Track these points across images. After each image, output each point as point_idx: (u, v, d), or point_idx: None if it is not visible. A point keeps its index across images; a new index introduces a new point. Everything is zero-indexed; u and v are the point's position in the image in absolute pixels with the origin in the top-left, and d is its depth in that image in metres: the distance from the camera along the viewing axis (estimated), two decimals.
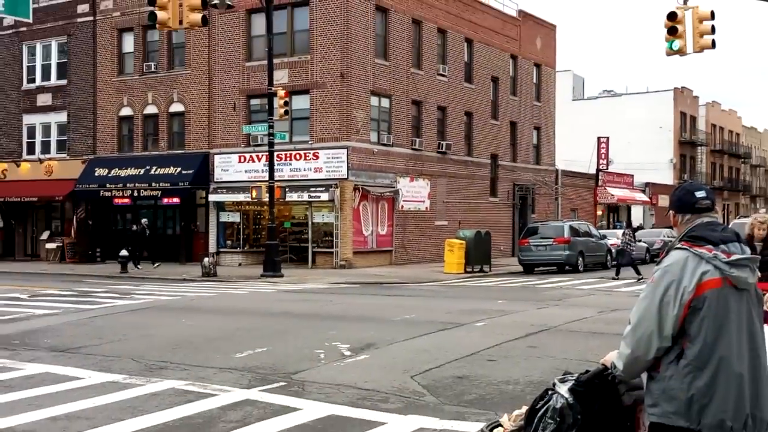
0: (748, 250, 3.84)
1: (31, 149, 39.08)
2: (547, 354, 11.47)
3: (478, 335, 13.61)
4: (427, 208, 35.44)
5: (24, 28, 36.43)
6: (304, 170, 31.55)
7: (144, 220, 33.14)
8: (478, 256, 30.26)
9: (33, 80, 39.11)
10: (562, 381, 4.02)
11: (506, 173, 42.23)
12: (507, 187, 42.27)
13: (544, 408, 3.95)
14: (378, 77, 32.91)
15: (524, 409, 4.45)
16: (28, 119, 39.23)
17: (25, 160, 38.89)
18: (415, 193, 34.83)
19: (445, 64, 37.34)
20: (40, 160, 38.17)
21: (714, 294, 3.65)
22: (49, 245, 37.01)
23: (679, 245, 3.79)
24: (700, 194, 3.88)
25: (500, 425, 4.48)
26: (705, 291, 3.64)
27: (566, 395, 3.88)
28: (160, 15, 16.39)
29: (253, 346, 12.47)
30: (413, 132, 35.20)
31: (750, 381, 3.66)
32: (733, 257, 3.70)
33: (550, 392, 4.00)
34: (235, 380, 9.98)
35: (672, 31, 17.58)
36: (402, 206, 33.93)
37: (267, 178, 28.53)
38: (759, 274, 6.84)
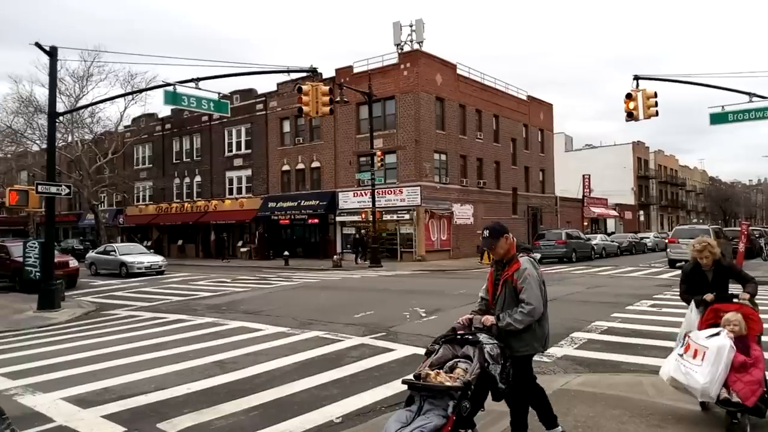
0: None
1: (230, 192, 40.52)
2: (551, 315, 11.18)
3: None
4: (471, 222, 35.03)
5: (225, 120, 37.94)
6: (394, 200, 31.65)
7: (363, 231, 31.78)
8: None
9: (231, 150, 40.58)
10: (475, 335, 3.89)
11: (522, 199, 41.28)
12: (523, 208, 41.31)
13: (489, 355, 3.73)
14: (438, 141, 32.82)
15: (428, 363, 3.84)
16: (228, 174, 40.68)
17: (227, 198, 40.33)
18: (463, 213, 34.47)
19: (481, 131, 36.93)
20: (236, 198, 39.50)
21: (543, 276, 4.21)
22: (242, 249, 38.14)
23: (521, 255, 4.18)
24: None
25: (419, 375, 3.66)
26: (543, 276, 4.21)
27: (496, 342, 3.88)
28: (305, 109, 16.76)
29: (365, 310, 12.57)
30: (461, 174, 34.91)
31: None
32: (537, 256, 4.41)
33: (477, 346, 3.77)
34: (354, 331, 10.07)
35: (629, 106, 17.01)
36: (456, 221, 33.63)
37: (371, 206, 28.78)
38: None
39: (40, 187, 15.55)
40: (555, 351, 8.19)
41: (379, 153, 29.10)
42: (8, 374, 7.64)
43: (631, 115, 16.93)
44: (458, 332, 4.00)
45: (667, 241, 27.30)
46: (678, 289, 5.62)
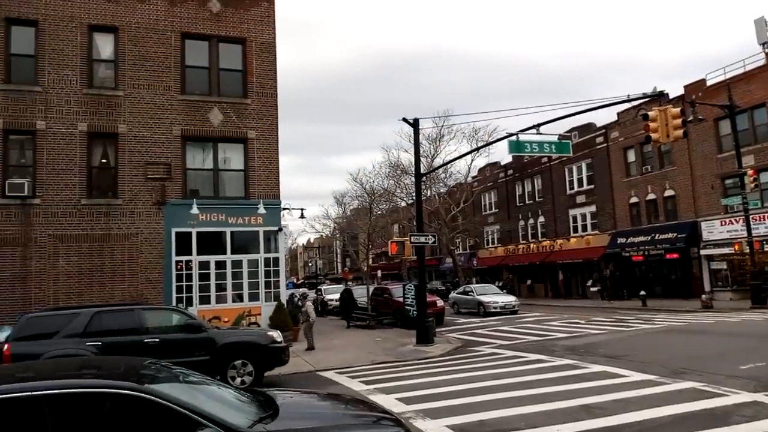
0: None
1: (575, 230, 40.01)
2: None
3: None
4: None
5: (564, 158, 38.05)
6: None
7: None
8: None
9: (572, 187, 40.26)
10: None
11: None
12: None
13: None
14: None
15: None
16: (572, 212, 40.31)
17: (572, 237, 39.92)
18: None
19: None
20: (582, 236, 38.76)
21: None
22: (592, 289, 36.92)
23: None
24: None
25: None
26: None
27: None
28: (653, 135, 15.61)
29: (754, 361, 10.69)
30: None
31: None
32: None
33: None
34: (741, 385, 8.70)
35: None
36: None
37: (745, 235, 24.55)
38: None
39: (412, 237, 18.40)
40: None
41: (750, 172, 24.81)
42: (403, 399, 9.12)
43: None
44: None
45: None
46: None
